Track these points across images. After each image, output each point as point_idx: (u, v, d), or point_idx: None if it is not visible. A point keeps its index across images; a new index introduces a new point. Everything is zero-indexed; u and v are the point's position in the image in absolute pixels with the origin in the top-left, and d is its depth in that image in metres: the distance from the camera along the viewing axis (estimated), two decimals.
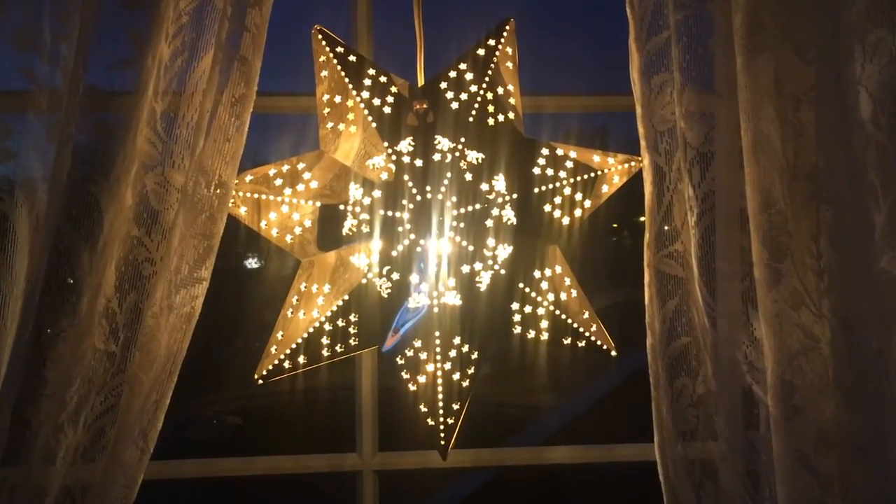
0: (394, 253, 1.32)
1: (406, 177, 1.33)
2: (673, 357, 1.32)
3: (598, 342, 1.37)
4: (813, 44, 1.21)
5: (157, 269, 1.22)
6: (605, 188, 1.39)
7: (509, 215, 1.34)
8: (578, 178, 1.37)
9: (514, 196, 1.34)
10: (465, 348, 1.34)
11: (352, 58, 1.36)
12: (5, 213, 1.13)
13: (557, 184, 1.36)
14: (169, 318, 1.25)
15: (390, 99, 1.34)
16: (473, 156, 1.34)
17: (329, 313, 1.33)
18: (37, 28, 1.15)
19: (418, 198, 1.33)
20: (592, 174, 1.38)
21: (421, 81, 1.42)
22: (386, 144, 1.33)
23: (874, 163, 1.14)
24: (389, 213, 1.32)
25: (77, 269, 1.17)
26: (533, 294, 1.36)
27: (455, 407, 1.34)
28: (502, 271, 1.34)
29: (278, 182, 1.35)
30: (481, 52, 1.37)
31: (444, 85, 1.35)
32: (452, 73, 1.35)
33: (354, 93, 1.34)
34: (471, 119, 1.34)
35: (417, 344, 1.33)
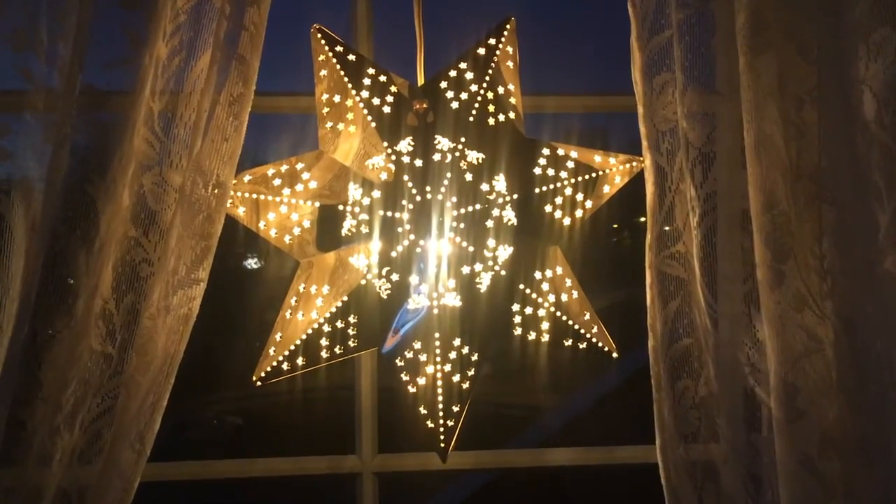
0: (393, 254, 1.32)
1: (406, 177, 1.32)
2: (675, 359, 1.31)
3: (600, 344, 1.37)
4: (816, 43, 1.20)
5: (155, 270, 1.22)
6: (606, 188, 1.39)
7: (510, 216, 1.33)
8: (579, 179, 1.36)
9: (515, 196, 1.34)
10: (465, 350, 1.33)
11: (351, 57, 1.35)
12: (2, 213, 1.12)
13: (558, 184, 1.35)
14: (166, 320, 1.24)
15: (390, 98, 1.33)
16: (474, 156, 1.33)
17: (328, 314, 1.32)
18: (34, 27, 1.15)
19: (418, 198, 1.32)
20: (593, 174, 1.37)
21: (421, 81, 1.41)
22: (385, 144, 1.32)
23: (878, 163, 1.13)
24: (389, 214, 1.32)
25: (73, 270, 1.16)
26: (533, 295, 1.35)
27: (455, 409, 1.33)
28: (503, 272, 1.33)
29: (277, 182, 1.35)
30: (482, 51, 1.37)
31: (444, 84, 1.34)
32: (452, 73, 1.35)
33: (354, 92, 1.33)
34: (471, 119, 1.33)
35: (417, 345, 1.33)
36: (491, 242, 1.32)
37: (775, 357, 1.20)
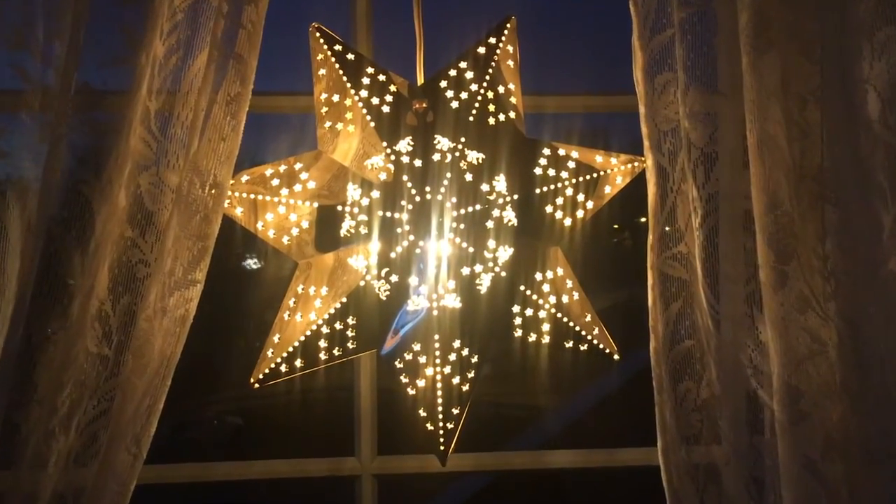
0: (392, 254, 1.31)
1: (405, 177, 1.31)
2: (676, 360, 1.31)
3: (601, 346, 1.36)
4: (819, 42, 1.20)
5: (151, 271, 1.21)
6: (607, 189, 1.38)
7: (510, 216, 1.32)
8: (580, 179, 1.35)
9: (515, 197, 1.33)
10: (465, 352, 1.32)
11: (350, 56, 1.34)
12: None
13: (559, 184, 1.34)
14: (163, 321, 1.23)
15: (389, 98, 1.33)
16: (474, 156, 1.32)
17: (327, 316, 1.31)
18: (29, 26, 1.14)
19: (417, 198, 1.31)
20: (595, 175, 1.36)
21: (420, 80, 1.40)
22: (385, 144, 1.31)
23: (882, 163, 1.13)
24: (388, 214, 1.31)
25: (69, 270, 1.15)
26: (534, 297, 1.34)
27: (455, 411, 1.32)
28: (503, 273, 1.32)
29: (275, 182, 1.34)
30: (482, 50, 1.36)
31: (443, 84, 1.33)
32: (452, 72, 1.34)
33: (353, 92, 1.32)
34: (471, 118, 1.33)
35: (416, 347, 1.32)
36: (491, 243, 1.31)
37: (778, 359, 1.20)
